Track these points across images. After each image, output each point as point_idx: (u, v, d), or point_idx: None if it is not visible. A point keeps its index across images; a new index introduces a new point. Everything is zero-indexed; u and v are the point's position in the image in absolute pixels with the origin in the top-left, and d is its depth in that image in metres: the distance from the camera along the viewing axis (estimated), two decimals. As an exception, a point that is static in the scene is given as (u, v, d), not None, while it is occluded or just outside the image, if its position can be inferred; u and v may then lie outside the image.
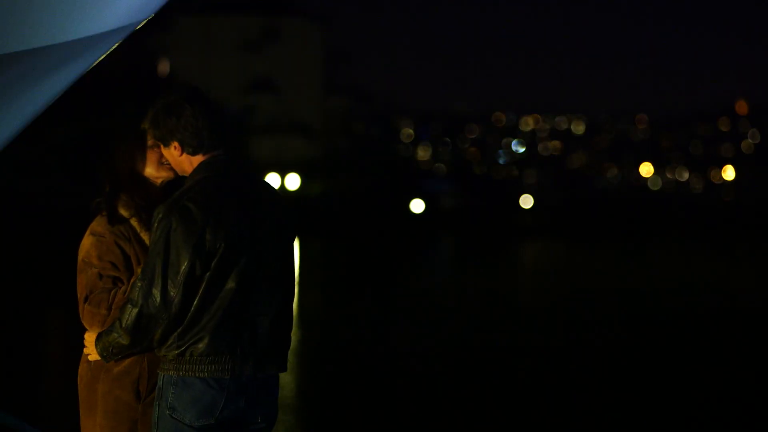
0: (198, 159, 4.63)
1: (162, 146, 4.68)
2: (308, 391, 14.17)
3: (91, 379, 4.72)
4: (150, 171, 4.79)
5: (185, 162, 4.65)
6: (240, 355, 4.49)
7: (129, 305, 4.44)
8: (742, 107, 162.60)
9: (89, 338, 4.71)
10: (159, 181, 4.82)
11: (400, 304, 26.73)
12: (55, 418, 11.29)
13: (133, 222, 4.76)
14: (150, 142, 4.78)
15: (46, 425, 10.52)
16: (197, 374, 4.45)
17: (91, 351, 4.70)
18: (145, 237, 4.74)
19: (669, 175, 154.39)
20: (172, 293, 4.39)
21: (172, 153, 4.65)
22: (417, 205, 77.36)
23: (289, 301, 4.65)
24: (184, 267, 4.40)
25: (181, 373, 4.47)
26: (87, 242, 4.76)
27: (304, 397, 13.63)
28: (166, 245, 4.42)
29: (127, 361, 4.66)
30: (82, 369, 4.78)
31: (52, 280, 26.92)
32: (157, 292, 4.39)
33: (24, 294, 25.10)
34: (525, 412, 12.74)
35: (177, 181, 4.82)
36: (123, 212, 4.76)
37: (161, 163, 4.79)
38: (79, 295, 4.73)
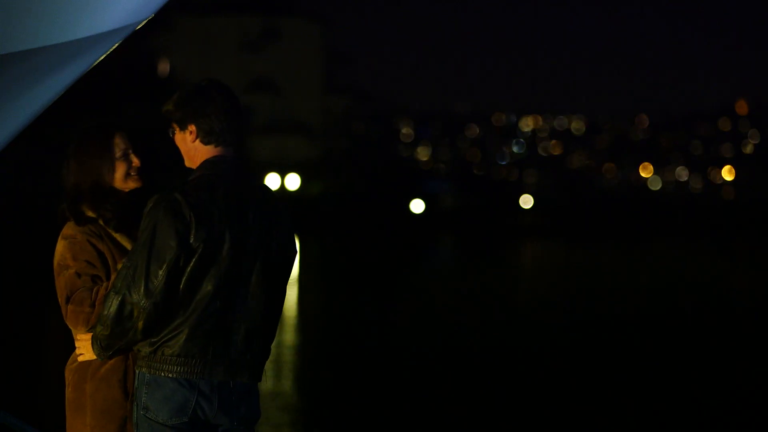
0: (207, 150, 4.59)
1: (177, 130, 4.63)
2: (308, 390, 14.18)
3: (78, 381, 4.71)
4: (117, 183, 4.76)
5: (195, 150, 4.61)
6: (211, 360, 4.47)
7: (112, 293, 4.44)
8: (742, 107, 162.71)
9: (82, 338, 4.70)
10: (127, 189, 4.78)
11: (400, 304, 26.72)
12: (55, 418, 11.29)
13: (101, 222, 4.76)
14: (118, 154, 4.74)
15: (46, 425, 10.51)
16: (167, 374, 4.45)
17: (83, 352, 4.69)
18: (115, 235, 4.73)
19: (669, 175, 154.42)
20: (154, 282, 4.38)
21: (186, 138, 4.61)
22: (417, 205, 77.40)
23: (272, 313, 4.59)
24: (168, 258, 4.39)
25: (152, 372, 4.47)
26: (59, 246, 4.76)
27: (304, 397, 13.64)
28: (152, 235, 4.41)
29: (112, 360, 4.65)
30: (68, 372, 4.77)
31: (52, 280, 26.84)
32: (140, 281, 4.39)
33: (24, 294, 25.09)
34: (525, 412, 12.74)
35: (146, 189, 4.77)
36: (89, 213, 4.75)
37: (128, 174, 4.75)
38: (60, 299, 4.71)
